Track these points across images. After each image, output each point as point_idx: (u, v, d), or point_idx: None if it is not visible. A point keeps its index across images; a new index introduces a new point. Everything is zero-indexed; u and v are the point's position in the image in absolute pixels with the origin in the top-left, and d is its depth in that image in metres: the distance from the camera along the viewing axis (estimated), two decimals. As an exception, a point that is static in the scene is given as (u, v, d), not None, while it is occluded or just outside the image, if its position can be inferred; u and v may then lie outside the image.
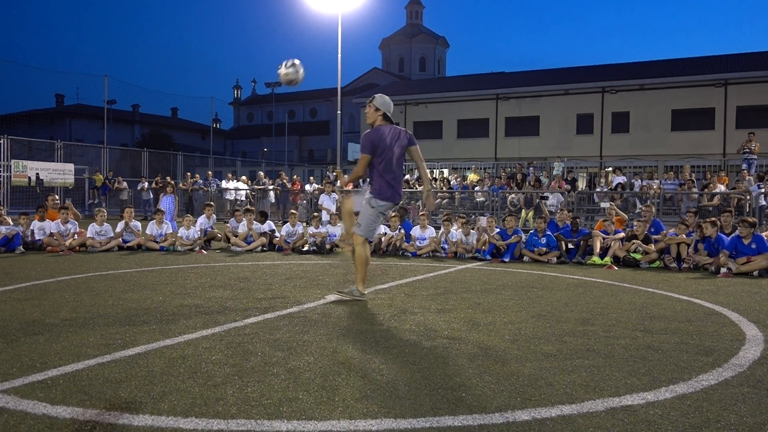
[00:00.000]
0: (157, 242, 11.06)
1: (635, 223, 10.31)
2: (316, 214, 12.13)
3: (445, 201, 19.48)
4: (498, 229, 10.84)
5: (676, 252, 9.37)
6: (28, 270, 7.82)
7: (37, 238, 10.74)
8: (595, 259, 9.82)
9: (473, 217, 15.54)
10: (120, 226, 11.12)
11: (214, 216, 12.63)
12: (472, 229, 11.19)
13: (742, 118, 30.64)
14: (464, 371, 3.46)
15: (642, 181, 18.24)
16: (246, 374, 3.32)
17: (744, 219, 8.93)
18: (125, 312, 5.08)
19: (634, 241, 9.66)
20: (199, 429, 2.54)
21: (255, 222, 11.66)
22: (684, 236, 9.42)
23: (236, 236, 11.37)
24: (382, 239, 10.78)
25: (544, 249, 10.04)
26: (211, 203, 12.84)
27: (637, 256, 9.54)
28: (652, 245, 9.61)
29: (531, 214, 16.55)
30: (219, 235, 11.80)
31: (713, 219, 9.46)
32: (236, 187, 22.52)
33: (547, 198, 16.55)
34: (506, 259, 10.05)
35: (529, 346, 4.07)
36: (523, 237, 10.52)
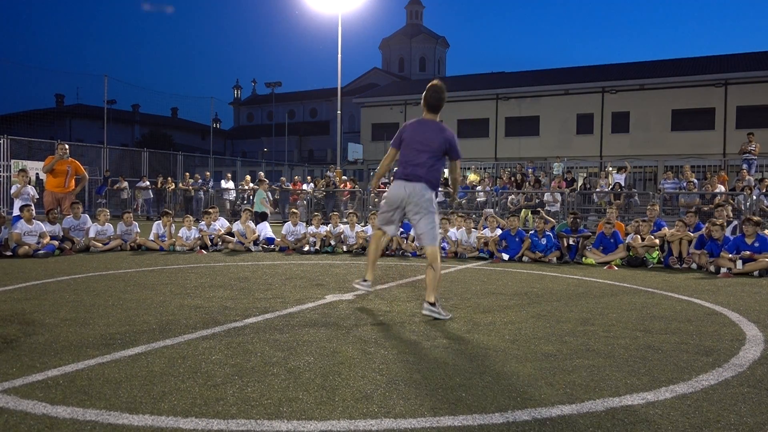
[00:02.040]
0: (163, 241, 11.04)
1: (640, 223, 10.26)
2: (316, 213, 12.10)
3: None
4: (500, 230, 10.83)
5: (678, 251, 9.39)
6: (28, 270, 7.82)
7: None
8: (591, 260, 9.84)
9: (474, 216, 15.53)
10: (120, 228, 11.18)
11: (221, 221, 12.06)
12: (474, 228, 11.18)
13: (742, 118, 30.66)
14: (464, 371, 3.45)
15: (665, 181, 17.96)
16: (246, 374, 3.32)
17: (749, 218, 8.89)
18: (125, 312, 5.08)
19: (644, 240, 9.70)
20: (199, 429, 2.55)
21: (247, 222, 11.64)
22: (686, 232, 9.44)
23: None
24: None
25: (545, 257, 9.99)
26: (209, 211, 11.92)
27: (654, 257, 9.58)
28: (656, 240, 9.71)
29: (530, 213, 16.53)
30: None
31: (721, 221, 9.42)
32: (226, 188, 22.49)
33: (543, 206, 16.43)
34: (506, 259, 10.06)
35: (529, 346, 4.07)
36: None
